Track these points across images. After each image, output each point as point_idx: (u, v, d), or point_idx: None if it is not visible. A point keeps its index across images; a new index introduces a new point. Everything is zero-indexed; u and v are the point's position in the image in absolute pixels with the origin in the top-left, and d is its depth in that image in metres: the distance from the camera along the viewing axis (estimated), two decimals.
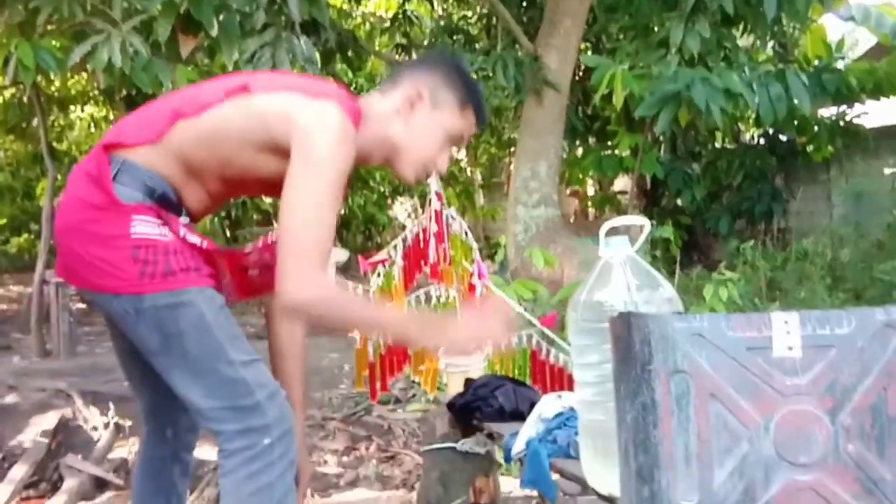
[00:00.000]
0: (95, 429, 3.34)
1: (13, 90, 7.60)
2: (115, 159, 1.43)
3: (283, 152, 1.41)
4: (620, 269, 1.37)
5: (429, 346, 1.67)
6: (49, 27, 4.11)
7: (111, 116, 10.85)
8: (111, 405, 3.46)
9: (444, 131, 1.53)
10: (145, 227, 1.41)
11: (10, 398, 3.63)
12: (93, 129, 11.30)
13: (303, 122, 1.40)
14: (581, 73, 7.23)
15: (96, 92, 9.13)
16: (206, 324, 1.42)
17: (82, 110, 10.88)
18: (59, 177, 8.33)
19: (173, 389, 1.47)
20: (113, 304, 1.43)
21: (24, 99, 7.48)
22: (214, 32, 3.83)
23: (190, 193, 1.50)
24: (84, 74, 7.83)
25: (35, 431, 3.21)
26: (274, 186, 1.43)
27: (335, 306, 1.42)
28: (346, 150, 1.41)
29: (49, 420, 3.31)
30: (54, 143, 9.04)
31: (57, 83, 8.76)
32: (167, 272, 1.40)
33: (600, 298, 1.35)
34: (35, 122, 7.67)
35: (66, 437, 3.27)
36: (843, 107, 7.14)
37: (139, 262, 1.40)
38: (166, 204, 1.45)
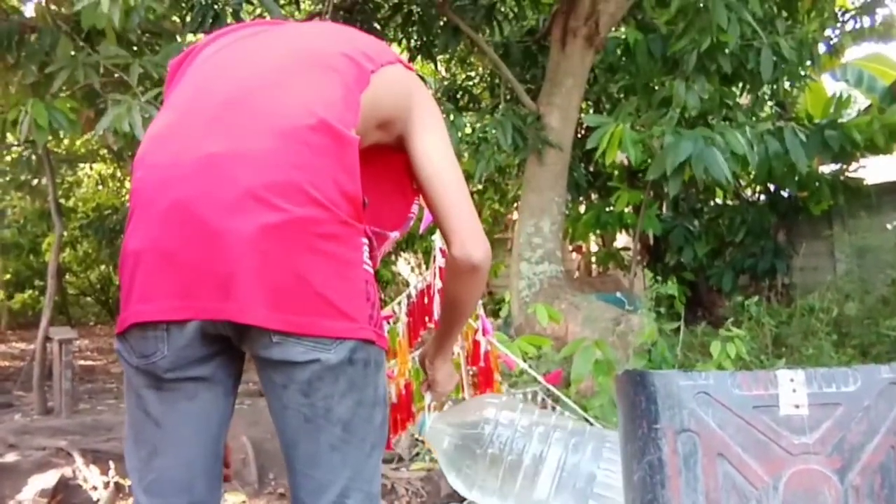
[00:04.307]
0: (95, 488, 3.30)
1: (20, 148, 7.72)
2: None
3: (386, 126, 1.32)
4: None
5: (442, 357, 1.60)
6: (62, 88, 4.20)
7: (118, 174, 11.01)
8: (111, 464, 3.43)
9: None
10: (367, 254, 1.20)
11: (10, 457, 3.59)
12: (100, 187, 11.42)
13: (424, 90, 1.36)
14: (583, 131, 7.33)
15: (104, 151, 9.26)
16: (387, 398, 1.23)
17: (90, 168, 11.02)
18: (66, 233, 8.41)
19: (312, 471, 1.17)
20: (319, 353, 1.12)
21: (34, 157, 7.58)
22: None
23: None
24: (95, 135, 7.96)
25: (34, 490, 3.17)
26: None
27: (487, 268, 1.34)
28: None
29: (48, 479, 3.27)
30: (61, 200, 9.13)
31: (66, 142, 8.90)
32: (382, 322, 1.20)
33: (472, 432, 1.51)
34: (44, 179, 7.77)
35: (66, 496, 3.23)
36: (841, 164, 7.19)
37: (369, 303, 1.16)
38: None
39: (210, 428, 1.23)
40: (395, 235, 1.39)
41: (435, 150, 1.31)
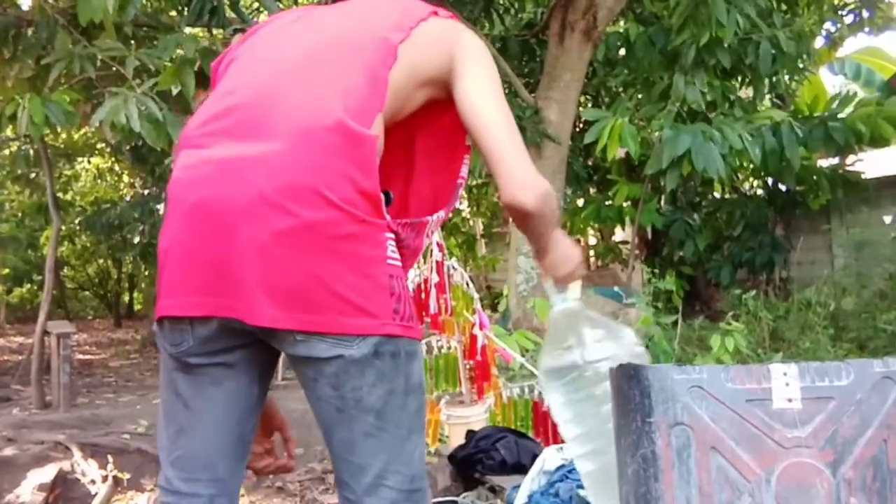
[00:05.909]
0: (93, 482, 3.30)
1: (18, 142, 7.70)
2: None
3: (432, 83, 1.31)
4: (582, 324, 1.41)
5: (542, 253, 1.40)
6: (59, 81, 4.19)
7: (116, 168, 11.00)
8: (109, 458, 3.43)
9: None
10: (392, 248, 1.19)
11: (8, 451, 3.59)
12: (98, 181, 11.41)
13: (465, 35, 1.34)
14: (581, 125, 7.33)
15: (102, 144, 9.25)
16: (423, 384, 1.23)
17: (88, 162, 10.99)
18: (64, 227, 8.41)
19: (350, 456, 1.21)
20: (342, 349, 1.14)
21: (31, 151, 7.56)
22: None
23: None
24: (91, 127, 7.95)
25: (32, 485, 3.17)
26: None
27: (552, 197, 1.29)
28: None
29: (47, 473, 3.28)
30: (59, 194, 9.11)
31: (64, 136, 8.88)
32: (412, 313, 1.19)
33: (577, 358, 1.38)
34: (41, 173, 7.76)
35: (64, 490, 3.23)
36: (840, 157, 7.19)
37: (394, 297, 1.17)
38: None
39: (235, 413, 1.27)
40: (439, 216, 1.35)
41: (476, 87, 1.28)
